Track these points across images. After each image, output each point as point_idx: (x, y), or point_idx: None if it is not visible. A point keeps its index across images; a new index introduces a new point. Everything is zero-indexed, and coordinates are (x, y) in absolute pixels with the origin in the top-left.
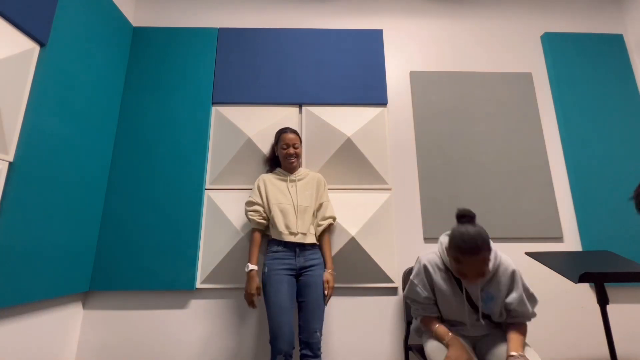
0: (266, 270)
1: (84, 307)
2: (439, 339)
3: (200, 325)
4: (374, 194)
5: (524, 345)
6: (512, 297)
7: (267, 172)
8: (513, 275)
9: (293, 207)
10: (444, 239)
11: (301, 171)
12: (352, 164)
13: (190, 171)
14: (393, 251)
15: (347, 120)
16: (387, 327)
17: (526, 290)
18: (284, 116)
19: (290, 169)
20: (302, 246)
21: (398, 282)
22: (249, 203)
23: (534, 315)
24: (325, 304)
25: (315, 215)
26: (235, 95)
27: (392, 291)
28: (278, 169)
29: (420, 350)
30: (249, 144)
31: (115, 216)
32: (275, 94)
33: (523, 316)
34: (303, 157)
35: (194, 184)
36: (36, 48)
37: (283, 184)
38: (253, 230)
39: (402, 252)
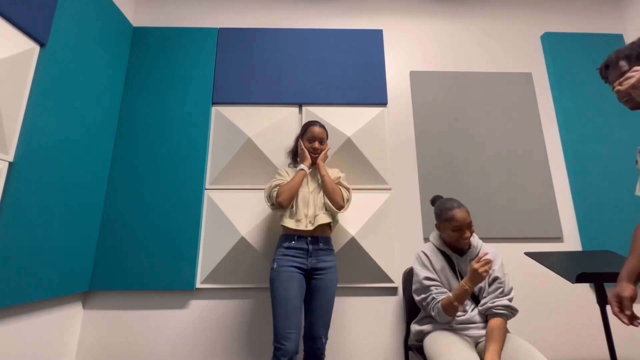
0: (275, 266)
1: (84, 307)
2: (461, 292)
3: (200, 325)
4: (374, 194)
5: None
6: (494, 268)
7: (289, 165)
8: (494, 255)
9: (311, 196)
10: (434, 233)
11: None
12: (352, 164)
13: (190, 171)
14: (393, 251)
15: (347, 120)
16: (387, 327)
17: (503, 268)
18: (284, 116)
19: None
20: (316, 243)
21: (398, 282)
22: (274, 185)
23: (510, 290)
24: None
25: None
26: (235, 95)
27: (392, 291)
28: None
29: (420, 350)
30: (249, 144)
31: (115, 216)
32: (275, 94)
33: (503, 295)
34: None
35: (194, 184)
36: (36, 48)
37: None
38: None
39: (402, 252)
